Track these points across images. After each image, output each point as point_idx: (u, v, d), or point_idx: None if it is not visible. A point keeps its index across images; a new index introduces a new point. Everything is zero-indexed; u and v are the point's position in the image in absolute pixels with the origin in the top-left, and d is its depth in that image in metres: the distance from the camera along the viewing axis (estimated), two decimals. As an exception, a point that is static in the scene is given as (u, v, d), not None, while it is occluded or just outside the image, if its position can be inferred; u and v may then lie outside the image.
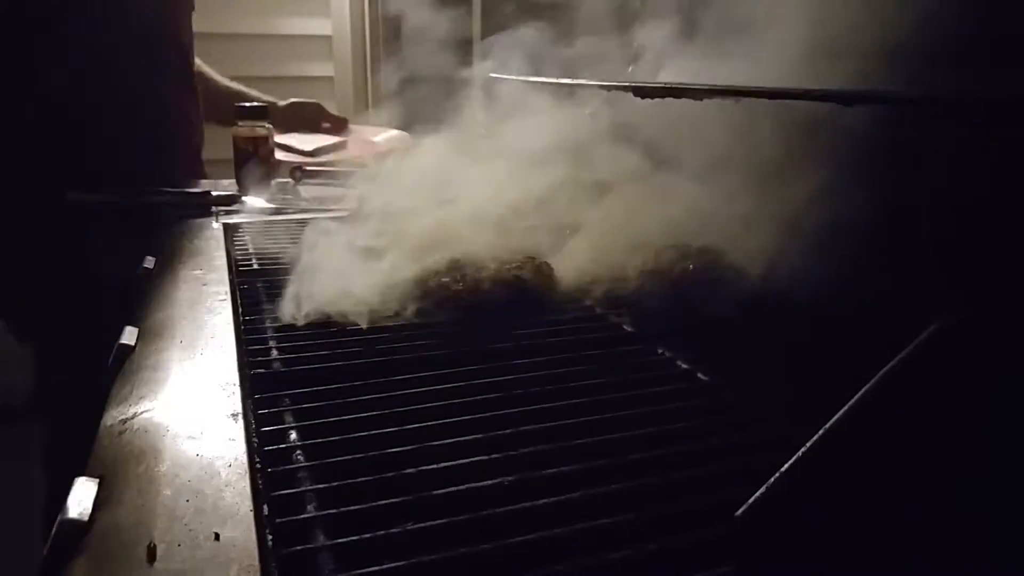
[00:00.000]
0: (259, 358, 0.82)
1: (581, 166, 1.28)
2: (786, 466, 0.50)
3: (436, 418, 0.68)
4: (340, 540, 0.51)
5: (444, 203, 1.22)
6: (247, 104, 1.72)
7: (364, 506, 0.55)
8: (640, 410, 0.70)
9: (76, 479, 0.58)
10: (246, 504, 0.55)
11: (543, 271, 1.04)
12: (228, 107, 1.74)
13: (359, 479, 0.58)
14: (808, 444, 0.50)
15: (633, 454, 0.62)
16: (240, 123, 1.70)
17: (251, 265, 1.19)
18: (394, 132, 2.09)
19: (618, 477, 0.59)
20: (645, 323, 0.93)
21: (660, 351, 0.86)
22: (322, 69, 3.28)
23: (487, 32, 2.09)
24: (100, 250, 1.37)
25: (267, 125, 1.72)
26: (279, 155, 1.84)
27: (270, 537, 0.51)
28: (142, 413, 0.69)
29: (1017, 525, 0.48)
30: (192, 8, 1.79)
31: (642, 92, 0.95)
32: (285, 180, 1.71)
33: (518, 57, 1.40)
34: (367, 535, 0.52)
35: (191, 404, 0.70)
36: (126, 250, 1.19)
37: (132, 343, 0.89)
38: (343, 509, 0.54)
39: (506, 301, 0.97)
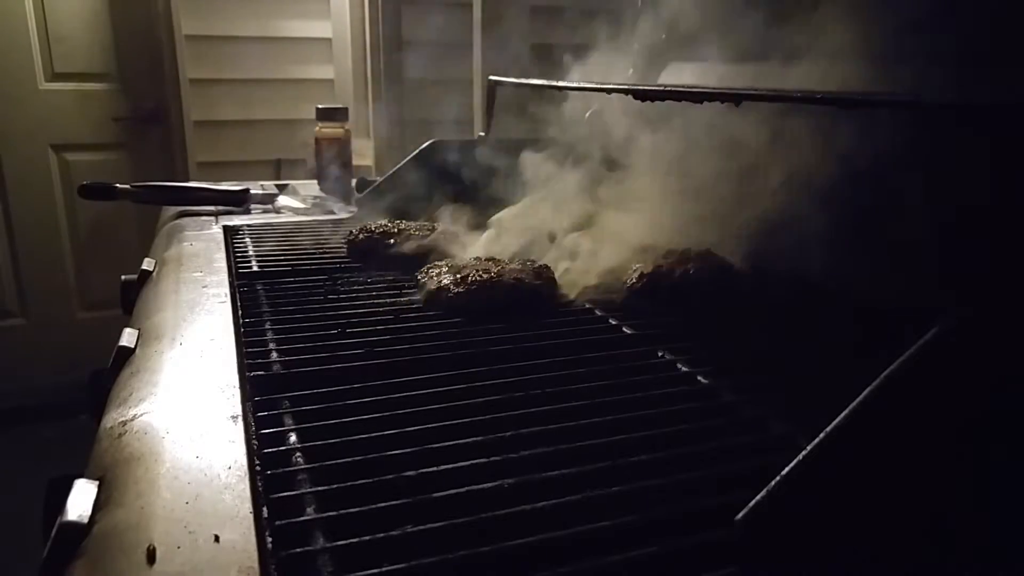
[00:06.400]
0: (259, 360, 0.81)
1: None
2: (787, 469, 0.50)
3: (436, 420, 0.67)
4: (339, 542, 0.51)
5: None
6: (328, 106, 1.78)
7: (364, 508, 0.55)
8: (641, 413, 0.70)
9: (76, 481, 0.58)
10: (246, 506, 0.54)
11: (544, 274, 1.04)
12: None
13: (359, 481, 0.58)
14: (809, 447, 0.50)
15: (633, 456, 0.62)
16: (322, 124, 1.74)
17: (251, 267, 1.19)
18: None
19: (619, 480, 0.59)
20: (645, 326, 0.93)
21: (660, 354, 0.85)
22: (322, 72, 3.28)
23: (488, 35, 2.10)
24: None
25: (346, 127, 1.77)
26: None
27: (270, 539, 0.51)
28: (142, 415, 0.69)
29: (1018, 525, 0.48)
30: None
31: (642, 95, 0.95)
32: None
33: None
34: (366, 537, 0.51)
35: (191, 406, 0.70)
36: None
37: (132, 345, 0.89)
38: (343, 511, 0.54)
39: (507, 303, 0.97)
